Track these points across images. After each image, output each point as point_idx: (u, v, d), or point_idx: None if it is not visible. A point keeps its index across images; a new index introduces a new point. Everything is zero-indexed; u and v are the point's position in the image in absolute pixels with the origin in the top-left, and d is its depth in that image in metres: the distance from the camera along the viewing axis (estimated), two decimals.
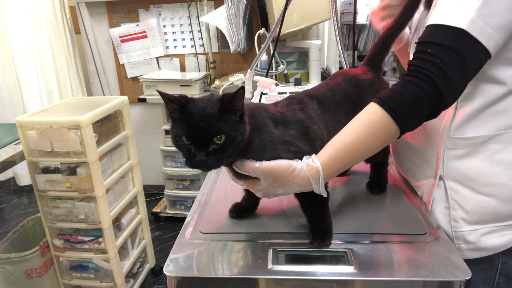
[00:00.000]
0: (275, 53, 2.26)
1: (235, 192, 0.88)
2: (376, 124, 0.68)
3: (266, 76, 1.35)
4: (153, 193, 3.05)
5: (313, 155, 0.71)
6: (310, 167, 0.69)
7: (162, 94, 0.65)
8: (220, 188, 0.98)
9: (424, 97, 0.65)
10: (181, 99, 0.65)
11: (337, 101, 0.81)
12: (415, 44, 0.70)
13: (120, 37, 2.78)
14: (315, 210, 0.75)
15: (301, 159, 0.71)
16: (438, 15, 0.68)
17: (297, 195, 0.76)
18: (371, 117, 0.69)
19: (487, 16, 0.63)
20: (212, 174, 1.07)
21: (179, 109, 0.65)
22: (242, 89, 0.63)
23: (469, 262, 0.78)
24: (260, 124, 0.70)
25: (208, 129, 0.62)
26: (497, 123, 0.74)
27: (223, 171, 0.72)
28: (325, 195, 0.71)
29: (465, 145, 0.77)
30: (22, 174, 3.01)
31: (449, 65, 0.64)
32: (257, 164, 0.69)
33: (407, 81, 0.67)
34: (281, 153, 0.70)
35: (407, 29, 0.92)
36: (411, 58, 0.70)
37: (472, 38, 0.63)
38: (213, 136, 0.63)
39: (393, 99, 0.67)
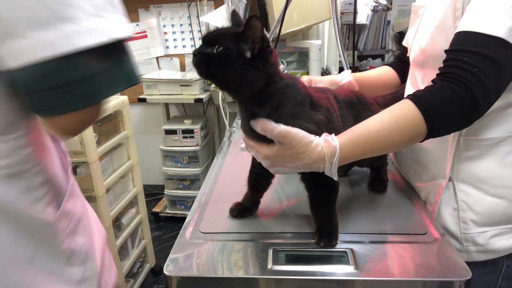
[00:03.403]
0: None
1: (236, 192, 0.88)
2: (406, 119, 0.67)
3: None
4: (153, 193, 3.05)
5: (333, 134, 0.69)
6: (328, 144, 0.67)
7: (233, 11, 0.73)
8: (220, 188, 0.98)
9: (459, 104, 0.64)
10: (240, 23, 0.70)
11: (347, 104, 0.83)
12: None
13: None
14: (324, 208, 0.75)
15: None
16: (472, 22, 0.66)
17: (309, 191, 0.76)
18: (402, 111, 0.68)
19: None
20: (212, 174, 1.07)
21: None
22: (255, 17, 0.62)
23: (474, 264, 0.78)
24: (300, 96, 0.70)
25: (213, 36, 0.66)
26: (509, 126, 0.75)
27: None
28: (336, 178, 0.69)
29: (477, 147, 0.77)
30: None
31: (487, 74, 0.63)
32: (275, 125, 0.67)
33: (445, 85, 0.66)
34: (307, 127, 0.69)
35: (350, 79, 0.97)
36: (439, 66, 0.69)
37: (510, 46, 0.63)
38: (214, 44, 0.65)
39: (429, 99, 0.66)
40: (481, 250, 0.79)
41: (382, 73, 1.05)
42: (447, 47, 0.69)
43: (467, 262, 0.76)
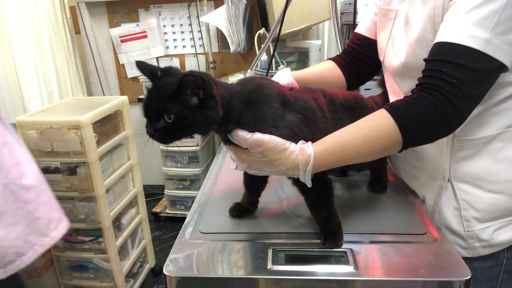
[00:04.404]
0: (275, 53, 2.26)
1: (235, 192, 0.88)
2: (380, 129, 0.67)
3: (266, 76, 1.35)
4: (153, 193, 3.05)
5: (309, 142, 0.70)
6: (303, 152, 0.68)
7: (138, 63, 0.67)
8: (220, 188, 0.98)
9: (437, 115, 0.65)
10: (154, 72, 0.67)
11: (345, 107, 0.82)
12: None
13: (120, 37, 2.78)
14: (323, 209, 0.75)
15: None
16: (450, 33, 0.66)
17: (304, 194, 0.76)
18: (377, 121, 0.68)
19: (502, 34, 0.62)
20: (212, 174, 1.07)
21: (150, 81, 0.68)
22: (189, 75, 0.61)
23: (476, 260, 0.79)
24: (262, 98, 0.70)
25: (156, 106, 0.64)
26: (499, 123, 0.75)
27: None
28: (309, 184, 0.70)
29: (471, 146, 0.77)
30: None
31: (467, 84, 0.64)
32: (248, 135, 0.68)
33: (423, 97, 0.66)
34: (282, 128, 0.69)
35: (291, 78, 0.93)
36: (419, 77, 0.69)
37: (488, 57, 0.63)
38: (162, 114, 0.64)
39: (404, 110, 0.67)
40: (485, 245, 0.80)
41: (324, 69, 1.03)
42: None
43: (470, 258, 0.76)
